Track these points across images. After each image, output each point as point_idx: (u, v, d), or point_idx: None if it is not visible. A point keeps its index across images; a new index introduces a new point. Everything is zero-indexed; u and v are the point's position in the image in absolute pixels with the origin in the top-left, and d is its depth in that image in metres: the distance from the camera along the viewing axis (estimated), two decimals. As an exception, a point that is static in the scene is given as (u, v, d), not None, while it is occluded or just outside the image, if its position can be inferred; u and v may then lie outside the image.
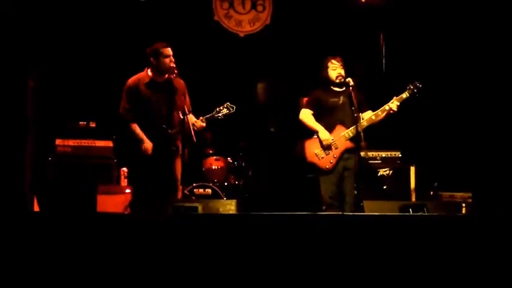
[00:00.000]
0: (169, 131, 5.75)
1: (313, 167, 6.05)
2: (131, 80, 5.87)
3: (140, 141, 5.74)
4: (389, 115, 6.01)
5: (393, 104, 5.97)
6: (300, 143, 6.14)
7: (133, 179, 6.07)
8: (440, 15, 7.85)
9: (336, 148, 5.97)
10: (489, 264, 3.82)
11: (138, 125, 5.77)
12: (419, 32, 8.07)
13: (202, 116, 5.87)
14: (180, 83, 5.91)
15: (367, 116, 6.00)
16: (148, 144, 5.73)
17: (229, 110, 5.93)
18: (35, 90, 6.27)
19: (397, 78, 7.52)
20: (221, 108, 5.91)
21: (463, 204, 6.46)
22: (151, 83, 5.82)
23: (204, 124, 5.86)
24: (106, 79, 7.84)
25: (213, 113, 5.91)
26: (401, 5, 8.11)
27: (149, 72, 5.85)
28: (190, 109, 5.94)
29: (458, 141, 7.46)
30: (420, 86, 5.98)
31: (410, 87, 5.99)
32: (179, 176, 5.91)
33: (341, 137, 5.97)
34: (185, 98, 5.92)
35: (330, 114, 6.07)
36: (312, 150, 6.03)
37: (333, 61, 6.09)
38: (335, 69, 6.07)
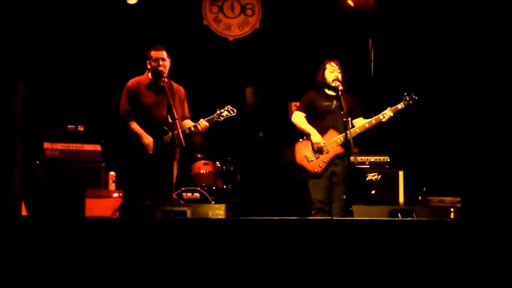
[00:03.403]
0: (169, 132, 5.71)
1: (302, 170, 6.03)
2: (132, 82, 5.90)
3: (141, 138, 5.71)
4: (381, 124, 6.01)
5: (387, 114, 5.96)
6: (291, 145, 6.13)
7: (126, 181, 6.02)
8: (429, 20, 7.89)
9: (327, 152, 5.93)
10: (478, 269, 3.83)
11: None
12: (408, 38, 8.10)
13: (203, 118, 5.85)
14: (180, 89, 5.94)
15: (361, 124, 5.98)
16: (149, 140, 5.71)
17: (231, 113, 5.90)
18: (24, 94, 6.24)
19: (386, 83, 7.56)
20: (222, 110, 5.87)
21: (452, 209, 6.47)
22: (151, 86, 5.83)
23: (207, 124, 5.82)
24: (95, 83, 7.83)
25: (214, 115, 5.87)
26: (390, 11, 8.14)
27: (150, 75, 5.86)
28: (189, 115, 5.97)
29: (446, 145, 7.49)
30: (416, 98, 5.96)
31: (406, 99, 5.98)
32: (174, 179, 5.89)
33: (333, 142, 5.93)
34: (183, 105, 5.93)
35: (322, 118, 6.02)
36: (302, 152, 6.00)
37: (332, 63, 6.05)
38: (332, 72, 6.02)
